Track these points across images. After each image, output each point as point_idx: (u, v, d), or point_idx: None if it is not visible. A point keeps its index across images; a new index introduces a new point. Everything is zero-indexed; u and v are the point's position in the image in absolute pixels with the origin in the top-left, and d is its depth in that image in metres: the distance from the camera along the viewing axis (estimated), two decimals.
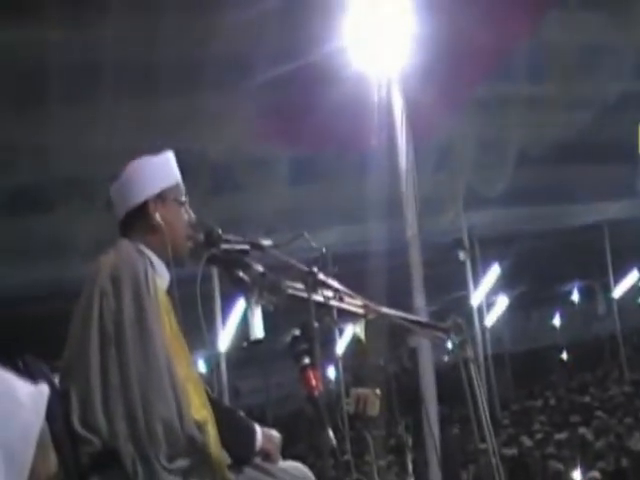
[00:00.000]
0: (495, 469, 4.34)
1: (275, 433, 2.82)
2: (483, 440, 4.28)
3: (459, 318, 3.58)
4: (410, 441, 4.10)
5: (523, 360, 27.57)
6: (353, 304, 2.94)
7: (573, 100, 13.45)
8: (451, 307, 15.12)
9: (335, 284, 2.83)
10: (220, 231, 2.72)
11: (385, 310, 3.08)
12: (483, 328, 17.39)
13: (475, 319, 16.20)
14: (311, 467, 2.96)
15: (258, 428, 2.73)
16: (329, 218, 12.03)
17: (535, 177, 14.71)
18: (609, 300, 21.53)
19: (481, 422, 4.08)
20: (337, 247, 11.10)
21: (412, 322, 3.48)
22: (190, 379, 2.54)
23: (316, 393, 2.58)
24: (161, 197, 2.72)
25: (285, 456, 2.99)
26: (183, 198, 2.77)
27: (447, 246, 14.66)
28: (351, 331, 13.54)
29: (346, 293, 2.89)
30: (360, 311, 2.97)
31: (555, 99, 13.17)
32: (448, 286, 16.31)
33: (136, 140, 9.19)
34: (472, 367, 3.83)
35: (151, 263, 2.63)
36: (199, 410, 2.50)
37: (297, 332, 2.63)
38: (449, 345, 4.06)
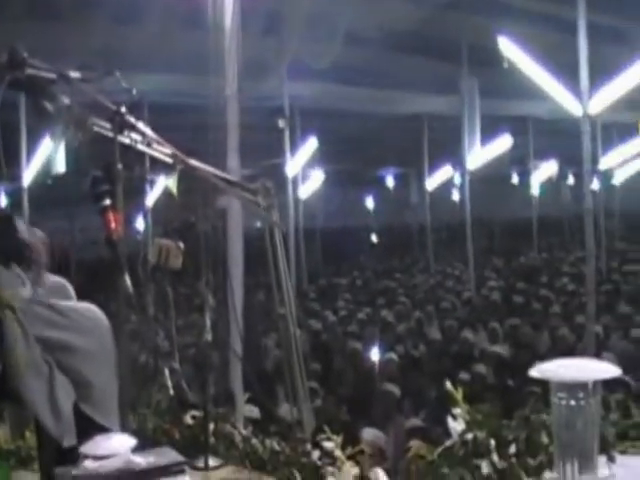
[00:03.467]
0: (293, 336, 4.58)
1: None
2: (283, 305, 4.49)
3: (268, 182, 3.68)
4: (212, 301, 4.20)
5: (334, 238, 28.45)
6: (162, 152, 2.96)
7: None
8: (266, 174, 15.23)
9: (144, 128, 2.84)
10: (26, 54, 2.64)
11: (194, 162, 3.12)
12: (297, 200, 17.72)
13: (289, 189, 16.43)
14: (108, 312, 3.02)
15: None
16: (149, 65, 11.71)
17: (363, 59, 14.92)
18: (422, 191, 22.43)
19: (282, 287, 4.27)
20: (155, 96, 10.92)
21: (221, 179, 3.55)
22: None
23: (115, 236, 2.61)
24: None
25: (84, 299, 3.03)
26: None
27: (268, 112, 14.69)
28: (163, 184, 13.47)
29: (155, 140, 2.90)
30: (168, 160, 3.00)
31: None
32: (265, 152, 16.40)
33: None
34: (277, 232, 3.98)
35: None
36: None
37: (98, 173, 2.63)
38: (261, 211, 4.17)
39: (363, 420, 8.09)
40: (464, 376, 9.65)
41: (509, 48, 10.93)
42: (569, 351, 10.83)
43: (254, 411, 6.93)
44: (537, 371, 2.61)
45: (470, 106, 15.82)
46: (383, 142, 22.41)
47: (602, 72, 9.69)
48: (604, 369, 2.60)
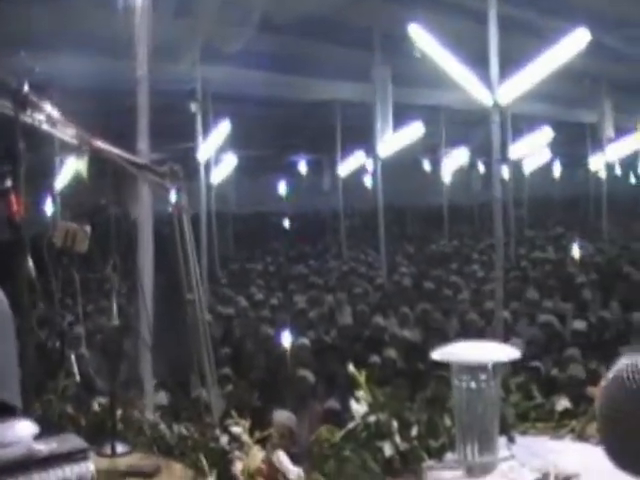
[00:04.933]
0: (201, 322, 4.56)
1: None
2: (191, 290, 4.46)
3: (176, 165, 3.64)
4: (119, 286, 4.15)
5: (247, 223, 28.41)
6: (66, 133, 2.91)
7: None
8: (178, 158, 15.08)
9: (48, 108, 2.78)
10: None
11: (100, 144, 3.07)
12: (209, 185, 17.60)
13: (201, 174, 16.29)
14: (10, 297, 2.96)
15: None
16: (58, 45, 11.45)
17: (277, 45, 14.90)
18: (335, 177, 22.52)
19: (190, 272, 4.24)
20: (64, 77, 10.69)
21: (128, 161, 3.50)
22: None
23: (17, 218, 2.55)
24: None
25: None
26: None
27: (180, 95, 14.57)
28: (73, 166, 13.20)
29: (60, 121, 2.85)
30: (73, 141, 2.94)
31: None
32: (177, 136, 16.27)
33: None
34: (185, 217, 3.94)
35: None
36: None
37: None
38: (172, 196, 4.12)
39: (275, 405, 8.11)
40: (375, 360, 9.77)
41: (421, 36, 11.03)
42: (478, 336, 11.07)
43: (163, 397, 6.88)
44: (439, 354, 2.66)
45: (382, 94, 15.94)
46: (296, 128, 22.44)
47: (513, 63, 9.87)
48: (503, 351, 2.67)
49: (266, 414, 6.92)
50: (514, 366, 2.75)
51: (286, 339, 10.30)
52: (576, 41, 10.15)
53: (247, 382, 9.60)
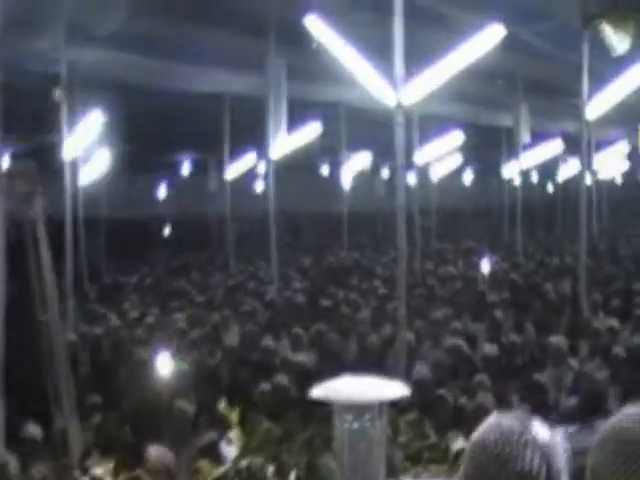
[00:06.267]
0: (57, 344, 4.48)
1: None
2: (46, 310, 4.38)
3: (31, 164, 3.52)
4: None
5: (121, 230, 27.88)
6: None
7: None
8: (38, 153, 14.71)
9: None
10: None
11: None
12: (76, 186, 17.14)
13: (67, 173, 15.73)
14: None
15: None
16: None
17: (160, 28, 14.76)
18: (222, 180, 22.40)
19: (45, 289, 4.15)
20: None
21: None
22: None
23: None
24: None
25: None
26: None
27: (42, 80, 14.16)
28: None
29: None
30: None
31: None
32: (38, 128, 15.83)
33: None
34: (39, 226, 3.83)
35: None
36: None
37: None
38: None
39: (150, 439, 8.01)
40: (264, 387, 9.75)
41: (318, 27, 11.07)
42: (379, 360, 11.17)
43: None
44: (320, 391, 2.66)
45: (276, 88, 15.96)
46: (180, 123, 22.26)
47: (422, 59, 9.97)
48: (391, 389, 2.69)
49: (139, 450, 6.82)
50: (412, 396, 2.77)
51: (164, 363, 10.19)
52: (490, 36, 10.34)
53: (118, 413, 9.45)
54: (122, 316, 15.16)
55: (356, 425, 2.64)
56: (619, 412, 1.99)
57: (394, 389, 2.67)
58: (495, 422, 2.05)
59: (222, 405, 3.01)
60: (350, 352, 12.49)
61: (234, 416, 2.98)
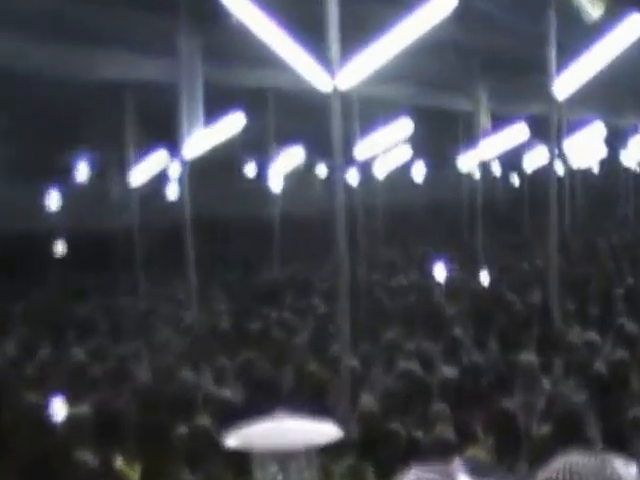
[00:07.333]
0: None
1: None
2: None
3: None
4: None
5: (5, 248, 27.53)
6: None
7: None
8: None
9: None
10: None
11: None
12: None
13: None
14: None
15: None
16: None
17: (46, 3, 14.73)
18: (127, 184, 22.27)
19: None
20: None
21: None
22: None
23: None
24: None
25: None
26: None
27: None
28: None
29: None
30: None
31: None
32: None
33: None
34: None
35: None
36: None
37: None
38: None
39: None
40: (182, 431, 9.72)
41: (237, 1, 10.97)
42: (320, 391, 11.19)
43: None
44: (235, 439, 2.66)
45: (190, 73, 15.96)
46: (75, 117, 22.14)
47: (359, 37, 9.99)
48: (321, 432, 2.69)
49: None
50: (358, 433, 2.77)
51: (59, 407, 10.14)
52: (440, 6, 10.34)
53: (7, 467, 9.39)
54: (7, 352, 14.99)
55: (280, 477, 2.64)
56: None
57: (325, 432, 2.67)
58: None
59: (119, 462, 2.99)
60: (285, 384, 12.49)
61: (134, 474, 2.96)
